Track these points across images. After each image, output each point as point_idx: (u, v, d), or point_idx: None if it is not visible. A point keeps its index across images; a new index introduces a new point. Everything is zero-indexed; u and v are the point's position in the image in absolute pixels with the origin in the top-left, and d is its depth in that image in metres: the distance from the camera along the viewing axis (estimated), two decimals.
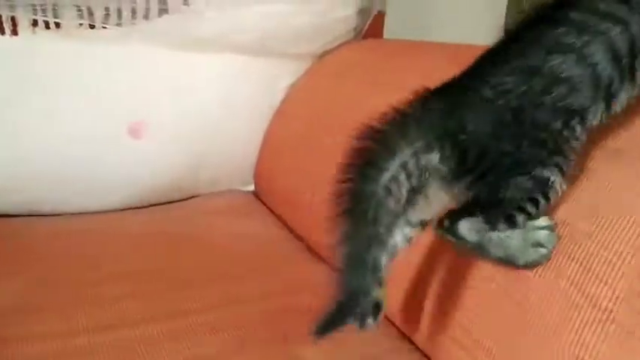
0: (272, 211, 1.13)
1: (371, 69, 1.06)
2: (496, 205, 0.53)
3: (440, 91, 0.55)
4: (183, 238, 0.98)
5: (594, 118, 0.52)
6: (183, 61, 1.12)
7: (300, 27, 1.15)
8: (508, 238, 0.53)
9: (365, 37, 1.29)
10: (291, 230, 1.04)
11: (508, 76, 0.52)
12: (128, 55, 1.10)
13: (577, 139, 0.52)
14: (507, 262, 0.55)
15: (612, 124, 0.56)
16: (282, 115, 1.18)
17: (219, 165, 1.19)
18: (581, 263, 0.51)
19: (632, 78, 0.52)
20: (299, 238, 1.00)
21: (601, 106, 0.52)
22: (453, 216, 0.54)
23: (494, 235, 0.53)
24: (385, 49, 1.15)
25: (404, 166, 0.52)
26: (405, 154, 0.52)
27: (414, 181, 0.52)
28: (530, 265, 0.55)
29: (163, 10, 1.11)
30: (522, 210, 0.53)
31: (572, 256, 0.52)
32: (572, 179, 0.54)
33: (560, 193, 0.53)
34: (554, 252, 0.53)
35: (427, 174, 0.52)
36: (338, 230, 0.51)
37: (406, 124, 0.53)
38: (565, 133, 0.52)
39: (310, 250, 0.95)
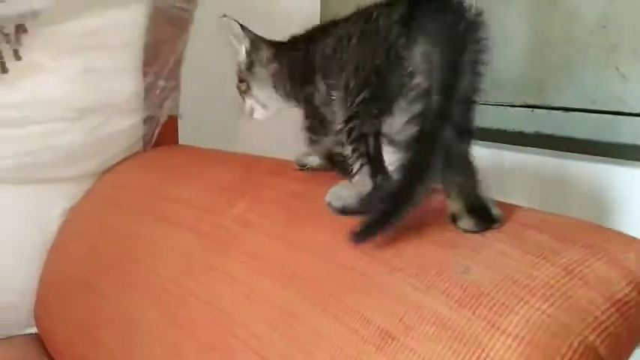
0: None
1: (148, 189, 0.94)
2: None
3: None
4: None
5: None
6: None
7: (69, 147, 1.00)
8: None
9: (156, 145, 1.17)
10: None
11: None
12: None
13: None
14: None
15: None
16: (58, 248, 1.01)
17: None
18: None
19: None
20: None
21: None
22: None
23: None
24: (169, 162, 1.04)
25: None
26: None
27: None
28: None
29: None
30: None
31: None
32: None
33: None
34: None
35: None
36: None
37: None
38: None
39: None
